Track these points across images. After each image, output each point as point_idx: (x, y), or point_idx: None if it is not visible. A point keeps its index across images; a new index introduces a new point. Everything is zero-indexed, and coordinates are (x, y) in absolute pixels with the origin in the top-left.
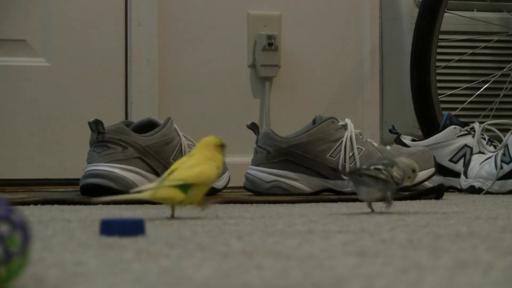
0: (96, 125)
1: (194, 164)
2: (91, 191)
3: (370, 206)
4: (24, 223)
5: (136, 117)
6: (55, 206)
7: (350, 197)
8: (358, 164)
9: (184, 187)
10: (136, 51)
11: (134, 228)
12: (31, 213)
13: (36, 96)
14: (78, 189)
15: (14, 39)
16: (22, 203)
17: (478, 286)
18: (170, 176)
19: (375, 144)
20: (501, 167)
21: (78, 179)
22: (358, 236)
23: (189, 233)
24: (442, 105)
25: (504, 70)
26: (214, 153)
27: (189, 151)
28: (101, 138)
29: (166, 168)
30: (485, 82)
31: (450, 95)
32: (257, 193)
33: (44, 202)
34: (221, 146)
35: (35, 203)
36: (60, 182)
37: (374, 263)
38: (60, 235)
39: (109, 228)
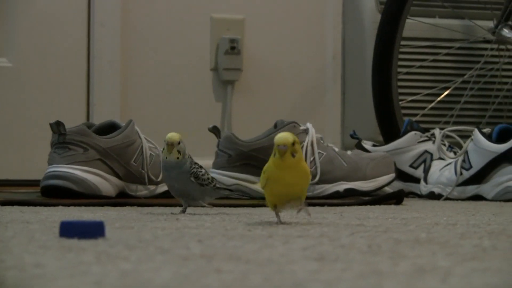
0: (57, 126)
1: None
2: (52, 192)
3: None
4: None
5: (98, 119)
6: (16, 207)
7: (310, 201)
8: (319, 169)
9: None
10: (99, 52)
11: (94, 230)
12: None
13: None
14: (39, 190)
15: None
16: None
17: None
18: None
19: (336, 149)
20: (461, 173)
21: (39, 180)
22: (318, 241)
23: (149, 236)
24: (403, 111)
25: (465, 77)
26: None
27: (150, 154)
28: (62, 139)
29: (127, 170)
30: (446, 88)
31: (411, 101)
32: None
33: (4, 203)
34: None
35: None
36: (20, 183)
37: (334, 269)
38: (20, 237)
39: (69, 230)
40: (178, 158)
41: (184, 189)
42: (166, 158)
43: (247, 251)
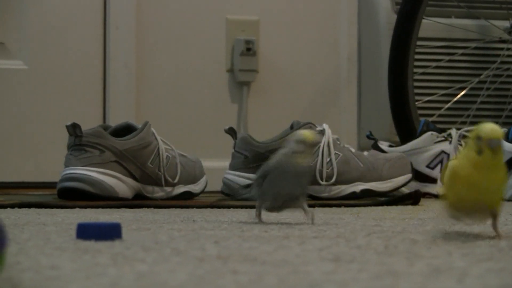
0: (73, 129)
1: None
2: (68, 194)
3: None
4: (1, 228)
5: (114, 121)
6: (32, 209)
7: (327, 202)
8: (335, 170)
9: None
10: (114, 54)
11: (110, 232)
12: (7, 216)
13: (14, 98)
14: (55, 192)
15: None
16: (0, 206)
17: None
18: None
19: (353, 150)
20: None
21: (56, 183)
22: (334, 242)
23: (165, 238)
24: (420, 111)
25: (481, 77)
26: None
27: (167, 155)
28: (78, 141)
29: (144, 172)
30: (462, 88)
31: (428, 101)
32: (234, 198)
33: (21, 205)
34: None
35: (12, 206)
36: (37, 185)
37: (349, 269)
38: (36, 239)
39: (85, 232)
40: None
41: (298, 194)
42: (298, 163)
43: (263, 252)
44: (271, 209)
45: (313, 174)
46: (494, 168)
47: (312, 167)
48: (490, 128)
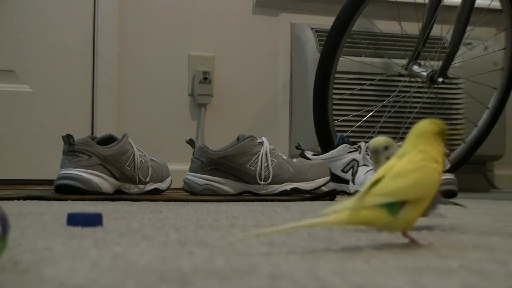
0: (68, 138)
1: (407, 170)
2: (63, 190)
3: None
4: (4, 217)
5: (100, 133)
6: (34, 201)
7: (264, 198)
8: (271, 172)
9: (392, 205)
10: (100, 81)
11: (94, 220)
12: (14, 207)
13: (21, 114)
14: (53, 188)
15: (4, 69)
16: (8, 198)
17: (363, 271)
18: (372, 189)
19: (285, 157)
20: None
21: (53, 180)
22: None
23: (137, 226)
24: (337, 128)
25: (384, 102)
26: (432, 147)
27: (140, 160)
28: (71, 148)
29: (122, 172)
30: (370, 111)
31: (343, 120)
32: (192, 194)
33: (25, 198)
34: (442, 135)
35: (18, 198)
36: (38, 182)
37: (281, 252)
38: (35, 226)
39: (74, 220)
40: None
41: None
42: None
43: (213, 237)
44: None
45: (253, 176)
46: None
47: (253, 170)
48: (373, 141)
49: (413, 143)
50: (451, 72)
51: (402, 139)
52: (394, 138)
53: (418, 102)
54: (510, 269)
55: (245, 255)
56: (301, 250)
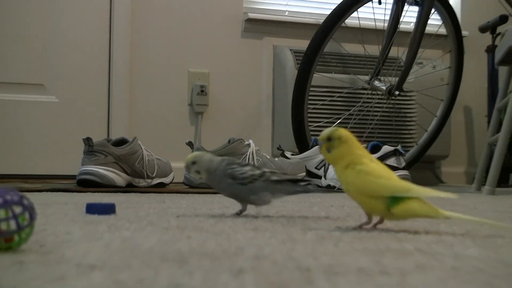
0: (87, 141)
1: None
2: (84, 183)
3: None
4: (31, 206)
5: (114, 136)
6: (59, 193)
7: None
8: None
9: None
10: (115, 93)
11: (108, 209)
12: (42, 197)
13: (49, 121)
14: (75, 182)
15: (35, 83)
16: (37, 190)
17: (331, 254)
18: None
19: (268, 157)
20: None
21: (75, 175)
22: (254, 218)
23: (144, 214)
24: (311, 133)
25: (350, 111)
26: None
27: (148, 158)
28: (90, 149)
29: (133, 169)
30: (339, 118)
31: (316, 126)
32: (191, 187)
33: (52, 190)
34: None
35: (46, 190)
36: (63, 177)
37: (264, 236)
38: (58, 213)
39: (91, 209)
40: (201, 178)
41: (232, 192)
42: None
43: (208, 224)
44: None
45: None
46: (333, 164)
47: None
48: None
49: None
50: (405, 86)
51: (365, 141)
52: (359, 141)
53: (378, 111)
54: (456, 251)
55: (234, 239)
56: (281, 235)
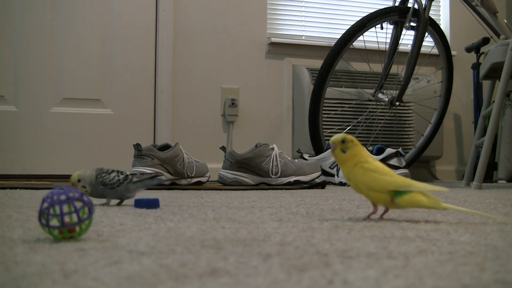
0: (137, 146)
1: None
2: None
3: None
4: (90, 201)
5: (159, 142)
6: None
7: (275, 187)
8: (280, 169)
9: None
10: (160, 106)
11: (154, 204)
12: None
13: (106, 131)
14: None
15: (94, 98)
16: None
17: (345, 240)
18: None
19: (289, 158)
20: None
21: None
22: (278, 210)
23: (185, 207)
24: (326, 138)
25: (358, 119)
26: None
27: (188, 161)
28: (139, 153)
29: (175, 170)
30: (348, 125)
31: (329, 132)
32: (224, 184)
33: None
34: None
35: None
36: None
37: (287, 226)
38: (113, 207)
39: (140, 203)
40: (86, 191)
41: (102, 194)
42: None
43: (239, 215)
44: None
45: (267, 171)
46: (342, 163)
47: (267, 167)
48: (332, 137)
49: (364, 148)
50: (405, 98)
51: (371, 145)
52: (365, 144)
53: (382, 119)
54: (452, 237)
55: (262, 228)
56: (301, 225)
